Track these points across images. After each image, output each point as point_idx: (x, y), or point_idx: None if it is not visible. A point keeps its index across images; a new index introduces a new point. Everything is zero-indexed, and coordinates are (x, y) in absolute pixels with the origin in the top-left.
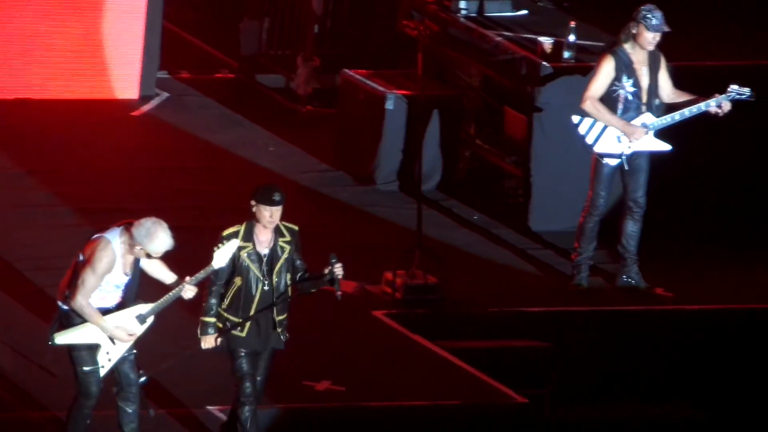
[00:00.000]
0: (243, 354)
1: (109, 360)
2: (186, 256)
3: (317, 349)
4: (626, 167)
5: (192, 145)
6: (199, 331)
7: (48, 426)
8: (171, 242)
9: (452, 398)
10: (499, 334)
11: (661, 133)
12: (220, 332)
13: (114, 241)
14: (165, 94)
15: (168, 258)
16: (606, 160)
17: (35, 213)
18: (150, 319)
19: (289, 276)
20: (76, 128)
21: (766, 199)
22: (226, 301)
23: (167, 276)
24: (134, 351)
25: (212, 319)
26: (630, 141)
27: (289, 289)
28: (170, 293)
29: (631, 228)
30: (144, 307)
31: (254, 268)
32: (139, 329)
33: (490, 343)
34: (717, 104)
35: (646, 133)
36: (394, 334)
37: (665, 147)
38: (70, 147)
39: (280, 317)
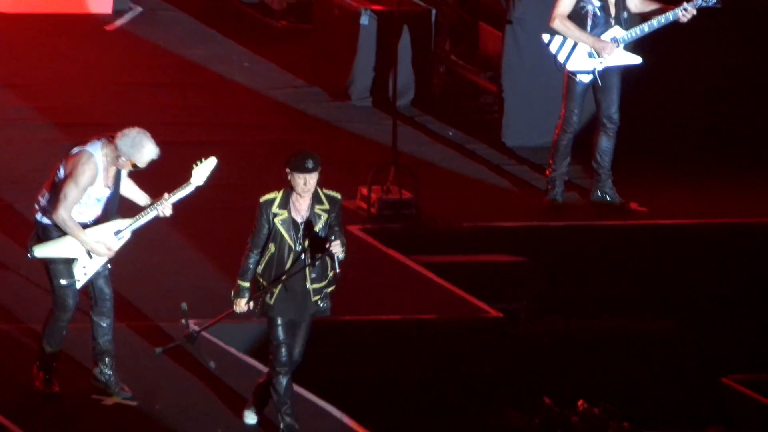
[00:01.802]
0: (279, 323)
1: (85, 274)
2: (163, 172)
3: None
4: (599, 83)
5: (166, 60)
6: (232, 294)
7: (24, 338)
8: (157, 151)
9: (428, 312)
10: (473, 249)
11: (632, 47)
12: (254, 296)
13: (96, 153)
14: (138, 9)
15: (145, 173)
16: (579, 78)
17: (10, 127)
18: (127, 235)
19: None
20: (50, 42)
21: (739, 114)
22: (261, 267)
23: (141, 197)
24: (109, 266)
25: (246, 284)
26: (601, 56)
27: (326, 258)
28: (149, 209)
29: (605, 144)
30: (122, 223)
31: (287, 236)
32: (117, 244)
33: (465, 258)
34: (683, 10)
35: (617, 47)
36: (370, 249)
37: (636, 60)
38: (44, 61)
39: (316, 285)
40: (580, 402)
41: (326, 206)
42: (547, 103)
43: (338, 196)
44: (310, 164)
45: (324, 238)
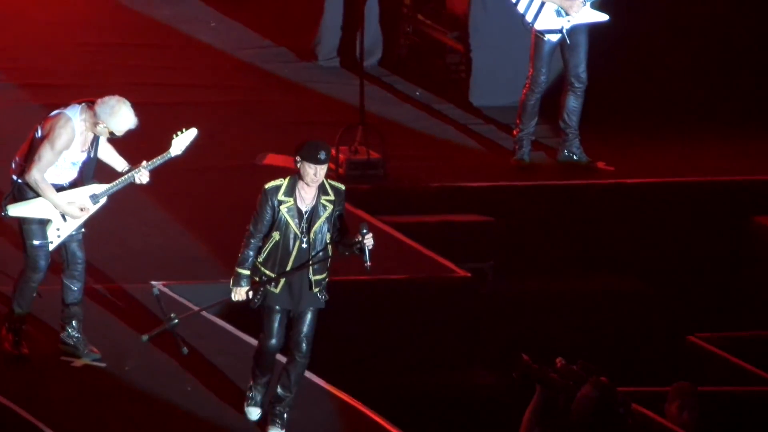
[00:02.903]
0: (275, 310)
1: (59, 236)
2: (139, 133)
3: None
4: (567, 42)
5: (133, 20)
6: (231, 282)
7: None
8: (135, 120)
9: (397, 273)
10: (441, 209)
11: (598, 4)
12: (254, 286)
13: (74, 117)
14: None
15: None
16: (547, 37)
17: None
18: (103, 200)
19: (329, 236)
20: (14, 2)
21: (707, 72)
22: (263, 255)
23: (119, 163)
24: (83, 230)
25: (246, 272)
26: (569, 14)
27: (329, 248)
28: (126, 175)
29: (573, 103)
30: (98, 188)
31: (293, 224)
32: (92, 208)
33: (433, 218)
34: None
35: (584, 4)
36: None
37: (603, 17)
38: (8, 22)
39: (317, 277)
40: (558, 359)
41: (332, 197)
42: (514, 63)
43: (343, 187)
44: (322, 155)
45: (328, 230)
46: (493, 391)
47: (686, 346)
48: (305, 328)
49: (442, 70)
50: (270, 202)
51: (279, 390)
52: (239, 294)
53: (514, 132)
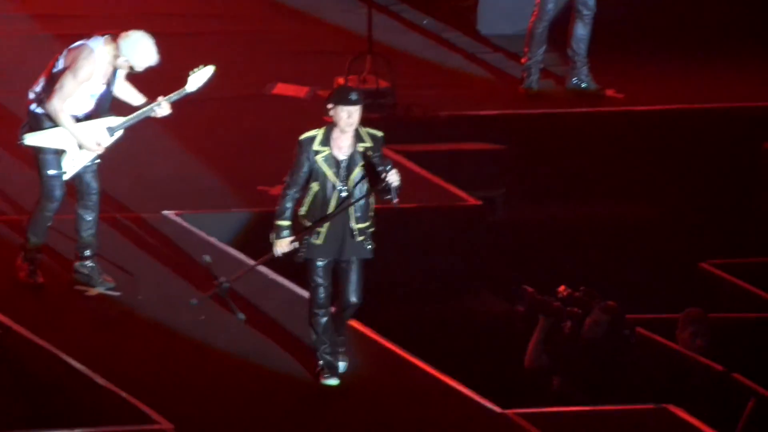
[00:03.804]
0: (319, 263)
1: (74, 167)
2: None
3: (270, 154)
4: None
5: None
6: (272, 236)
7: (7, 231)
8: (157, 58)
9: (407, 201)
10: (451, 138)
11: None
12: (296, 238)
13: (97, 49)
14: None
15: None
16: None
17: None
18: (119, 133)
19: (367, 183)
20: None
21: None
22: (304, 208)
23: (136, 97)
24: (98, 160)
25: (285, 222)
26: None
27: (371, 197)
28: (143, 109)
29: (581, 31)
30: (115, 120)
31: (330, 174)
32: (108, 140)
33: (443, 147)
34: None
35: None
36: None
37: None
38: None
39: (360, 225)
40: (562, 287)
41: (369, 144)
42: None
43: (380, 134)
44: (353, 96)
45: (367, 176)
46: (503, 319)
47: (698, 273)
48: (352, 279)
49: None
50: (305, 153)
51: (333, 337)
52: (281, 246)
53: (523, 60)
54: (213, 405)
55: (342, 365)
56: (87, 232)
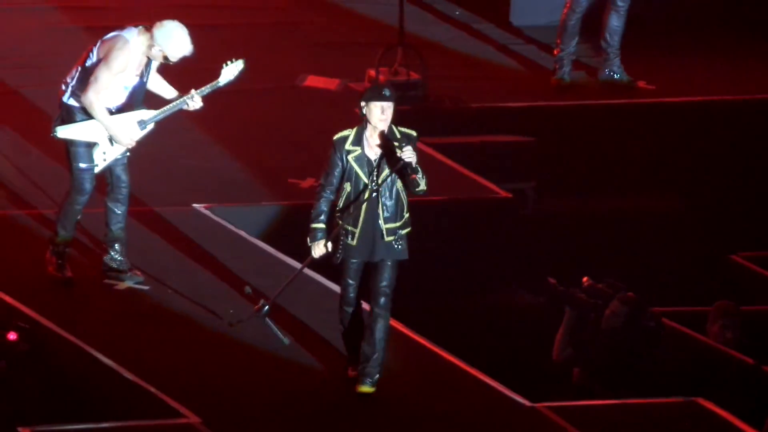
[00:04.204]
0: (352, 263)
1: (105, 159)
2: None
3: (301, 147)
4: None
5: None
6: (308, 239)
7: (36, 224)
8: (191, 48)
9: (437, 194)
10: (482, 130)
11: None
12: (332, 240)
13: (132, 40)
14: None
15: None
16: None
17: (13, 11)
18: (150, 126)
19: (400, 182)
20: None
21: None
22: (340, 208)
23: (168, 90)
24: (128, 154)
25: (321, 225)
26: None
27: (403, 195)
28: (176, 102)
29: (615, 22)
30: (147, 113)
31: (362, 174)
32: (139, 134)
33: (474, 139)
34: None
35: None
36: None
37: None
38: None
39: (389, 225)
40: (585, 279)
41: (403, 142)
42: None
43: (413, 133)
44: (387, 92)
45: (398, 174)
46: (534, 312)
47: (729, 265)
48: (383, 281)
49: None
50: (338, 153)
51: (365, 347)
52: (318, 248)
53: (555, 51)
54: (240, 399)
55: (370, 382)
56: (116, 226)
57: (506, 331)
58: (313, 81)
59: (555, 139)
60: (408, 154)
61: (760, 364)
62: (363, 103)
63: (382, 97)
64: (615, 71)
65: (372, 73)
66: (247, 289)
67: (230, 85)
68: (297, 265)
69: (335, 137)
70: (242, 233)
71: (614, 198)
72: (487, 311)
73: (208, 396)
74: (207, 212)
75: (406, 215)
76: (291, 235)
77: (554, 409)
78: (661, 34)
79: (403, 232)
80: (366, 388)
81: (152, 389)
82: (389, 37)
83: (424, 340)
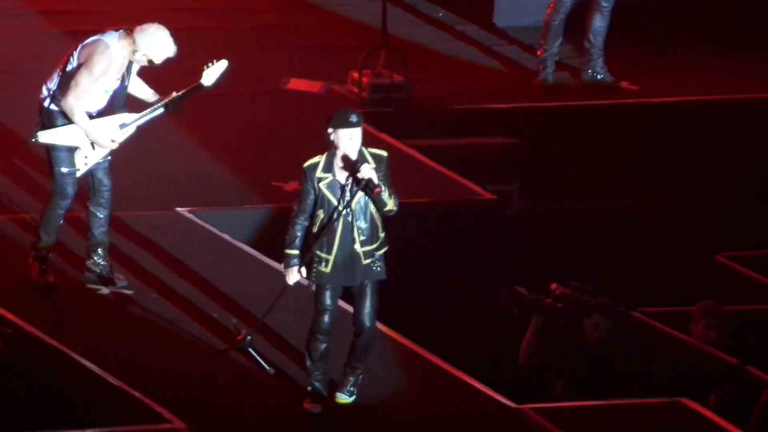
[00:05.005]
0: (327, 288)
1: (86, 164)
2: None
3: (284, 150)
4: None
5: None
6: (282, 264)
7: (19, 229)
8: (174, 49)
9: (421, 196)
10: (466, 132)
11: None
12: (305, 265)
13: (112, 44)
14: None
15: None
16: None
17: None
18: (132, 129)
19: (372, 205)
20: None
21: None
22: (313, 236)
23: (149, 93)
24: (109, 157)
25: (294, 251)
26: None
27: (376, 217)
28: (156, 105)
29: (598, 23)
30: (128, 117)
31: (334, 199)
32: (121, 137)
33: (458, 141)
34: None
35: None
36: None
37: None
38: None
39: (366, 248)
40: (553, 285)
41: (372, 165)
42: None
43: (384, 154)
44: (353, 118)
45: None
46: (518, 314)
47: (713, 266)
48: (365, 304)
49: None
50: (310, 181)
51: (350, 360)
52: (292, 275)
53: (538, 52)
54: (226, 404)
55: (349, 392)
56: (99, 230)
57: (490, 332)
58: (297, 84)
59: (539, 140)
60: (364, 172)
61: (743, 364)
62: (330, 130)
63: (349, 124)
64: (598, 72)
65: (355, 75)
66: (233, 321)
67: (214, 87)
68: (281, 268)
69: (305, 165)
70: (226, 236)
71: (598, 199)
72: (472, 313)
73: (193, 401)
74: (190, 216)
75: (382, 235)
76: (275, 238)
77: (539, 411)
78: (642, 34)
79: (380, 252)
80: (346, 399)
81: (137, 394)
82: (372, 39)
83: (407, 342)
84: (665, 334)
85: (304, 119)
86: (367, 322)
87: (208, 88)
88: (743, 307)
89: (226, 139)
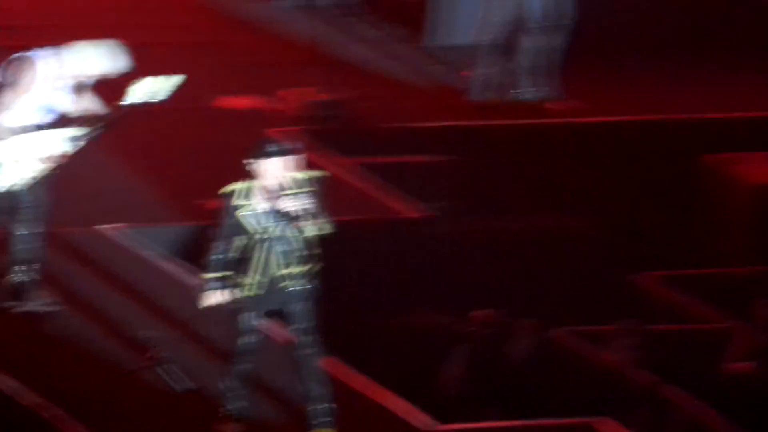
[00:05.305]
0: (250, 317)
1: (12, 180)
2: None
3: (209, 167)
4: None
5: None
6: (200, 289)
7: None
8: (107, 66)
9: (349, 214)
10: (395, 150)
11: None
12: (226, 287)
13: (38, 61)
14: None
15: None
16: None
17: None
18: (74, 144)
19: (297, 228)
20: None
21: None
22: (234, 261)
23: (95, 105)
24: (44, 173)
25: (212, 274)
26: None
27: (299, 241)
28: (101, 118)
29: (527, 44)
30: (67, 131)
31: (251, 227)
32: (54, 153)
33: (387, 159)
34: None
35: None
36: None
37: None
38: None
39: (288, 271)
40: (475, 313)
41: (296, 190)
42: (471, 3)
43: (318, 174)
44: (272, 148)
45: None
46: (446, 333)
47: (632, 285)
48: (301, 321)
49: (399, 9)
50: (227, 207)
51: (309, 387)
52: (211, 297)
53: (468, 72)
54: (141, 422)
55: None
56: (22, 246)
57: (417, 353)
58: (234, 101)
59: (469, 159)
60: (286, 204)
61: (661, 383)
62: (251, 161)
63: (267, 155)
64: (527, 91)
65: (284, 94)
66: (189, 384)
67: (143, 103)
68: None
69: (223, 191)
70: (148, 254)
71: (526, 218)
72: (401, 332)
73: (115, 421)
74: (112, 233)
75: (308, 255)
76: (197, 255)
77: None
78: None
79: (305, 271)
80: (329, 430)
81: (60, 412)
82: (305, 57)
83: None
84: (584, 352)
85: (230, 136)
86: (308, 339)
87: (150, 103)
88: (662, 327)
89: (149, 156)
